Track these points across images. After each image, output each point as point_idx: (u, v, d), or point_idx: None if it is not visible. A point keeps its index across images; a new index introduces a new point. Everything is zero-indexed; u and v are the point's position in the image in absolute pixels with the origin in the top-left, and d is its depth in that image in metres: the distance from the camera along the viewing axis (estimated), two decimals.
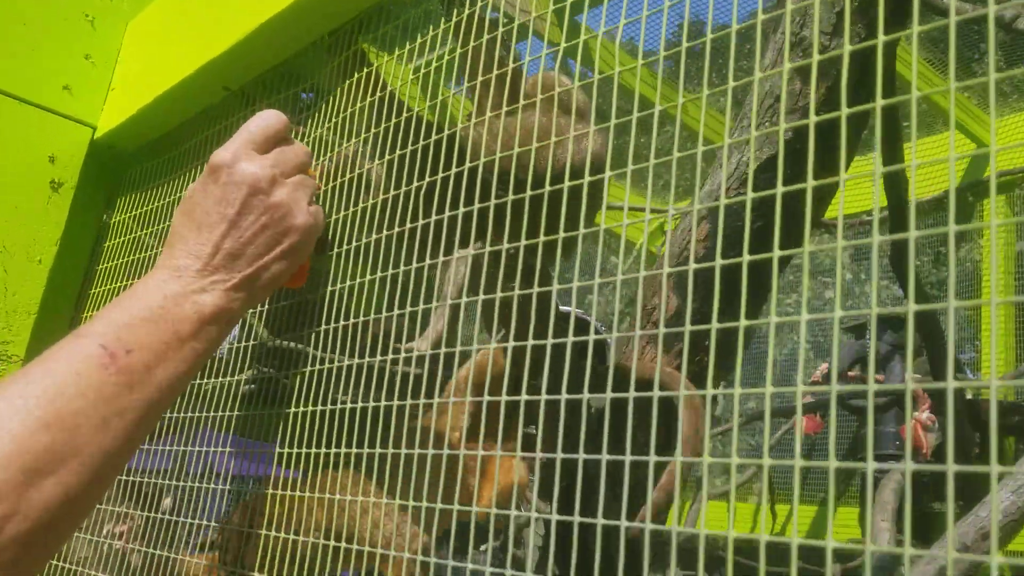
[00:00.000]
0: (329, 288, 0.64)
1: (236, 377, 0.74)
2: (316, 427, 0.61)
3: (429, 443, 0.55)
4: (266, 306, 0.71)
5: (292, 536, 0.65)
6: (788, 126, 0.42)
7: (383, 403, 0.59)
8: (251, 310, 0.56)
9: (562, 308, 0.78)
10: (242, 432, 0.70)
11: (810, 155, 0.46)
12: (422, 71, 0.62)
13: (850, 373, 1.95)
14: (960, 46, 2.19)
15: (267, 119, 0.55)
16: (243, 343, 0.74)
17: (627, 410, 0.48)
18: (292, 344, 0.72)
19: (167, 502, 0.82)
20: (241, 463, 0.71)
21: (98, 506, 0.81)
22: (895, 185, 1.08)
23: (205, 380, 0.75)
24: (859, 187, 2.12)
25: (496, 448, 0.82)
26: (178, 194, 0.84)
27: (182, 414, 0.75)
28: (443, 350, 0.67)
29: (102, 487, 0.42)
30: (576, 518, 0.45)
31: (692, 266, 0.44)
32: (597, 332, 0.96)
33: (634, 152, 0.46)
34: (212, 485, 0.71)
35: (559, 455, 0.46)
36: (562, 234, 0.49)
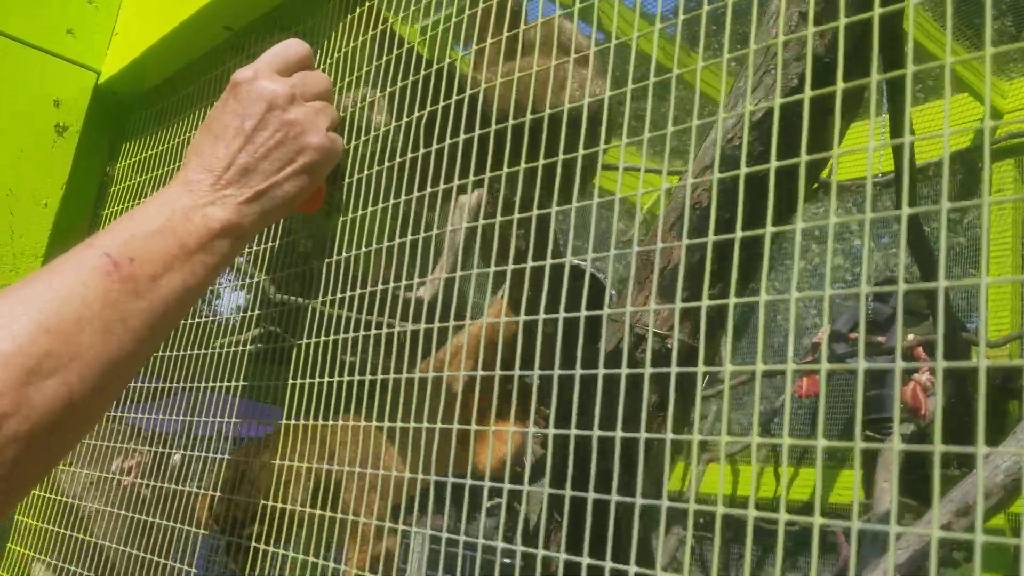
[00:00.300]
0: (339, 219, 0.64)
1: (244, 335, 0.74)
2: (319, 367, 0.61)
3: (429, 390, 0.55)
4: (274, 243, 0.71)
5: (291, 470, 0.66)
6: (786, 37, 0.42)
7: (385, 328, 0.59)
8: (264, 229, 0.56)
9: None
10: (249, 395, 0.71)
11: (808, 77, 0.46)
12: (422, 4, 0.62)
13: (851, 335, 1.95)
14: (967, 12, 2.16)
15: (291, 45, 0.56)
16: (244, 281, 0.74)
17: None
18: (296, 299, 0.72)
19: (176, 458, 0.83)
20: (247, 426, 0.72)
21: (106, 444, 0.82)
22: (900, 146, 1.07)
23: (210, 326, 0.75)
24: (858, 156, 2.12)
25: (502, 406, 0.83)
26: (180, 138, 0.84)
27: (187, 363, 0.76)
28: (455, 272, 0.67)
29: (106, 396, 0.43)
30: (572, 431, 0.46)
31: (689, 181, 0.44)
32: (596, 280, 0.96)
33: (636, 109, 0.46)
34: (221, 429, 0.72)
35: (556, 372, 0.47)
36: (561, 156, 0.49)
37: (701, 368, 0.43)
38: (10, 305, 0.40)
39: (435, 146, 0.57)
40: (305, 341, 0.64)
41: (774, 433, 2.63)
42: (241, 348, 0.72)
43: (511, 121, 0.53)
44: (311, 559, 0.59)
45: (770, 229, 0.41)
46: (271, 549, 0.64)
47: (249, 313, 0.78)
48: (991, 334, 1.72)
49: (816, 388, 1.96)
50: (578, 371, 0.46)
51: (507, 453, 0.79)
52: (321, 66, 0.69)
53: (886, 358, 1.80)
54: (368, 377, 0.59)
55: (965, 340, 1.48)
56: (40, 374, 0.39)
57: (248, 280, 0.76)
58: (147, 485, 0.77)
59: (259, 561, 0.66)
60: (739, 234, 0.41)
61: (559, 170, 0.49)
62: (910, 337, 1.68)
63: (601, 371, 0.45)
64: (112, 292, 0.42)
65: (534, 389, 0.80)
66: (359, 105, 0.65)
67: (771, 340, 2.42)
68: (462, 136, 0.55)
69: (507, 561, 0.53)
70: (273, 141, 0.51)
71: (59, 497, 0.85)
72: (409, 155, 0.60)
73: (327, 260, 0.64)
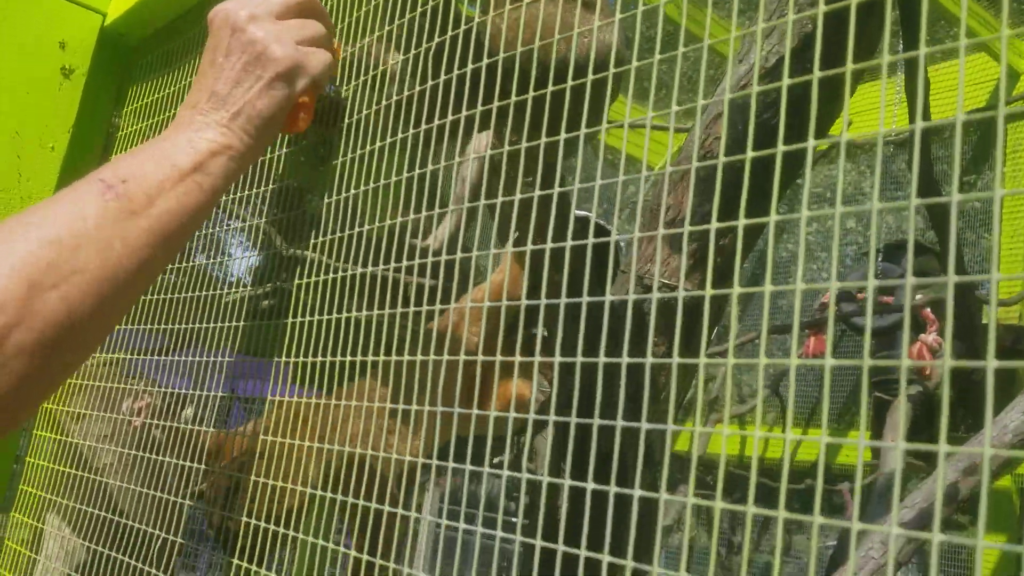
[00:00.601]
0: (339, 160, 0.64)
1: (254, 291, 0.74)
2: (328, 298, 0.61)
3: (433, 347, 0.55)
4: (272, 185, 0.71)
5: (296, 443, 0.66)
6: None
7: (392, 272, 0.59)
8: (261, 155, 0.57)
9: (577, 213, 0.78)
10: (259, 352, 0.71)
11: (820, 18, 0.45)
12: None
13: (859, 295, 1.95)
14: None
15: None
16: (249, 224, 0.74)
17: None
18: (303, 252, 0.72)
19: (188, 412, 0.83)
20: (257, 384, 0.72)
21: (114, 385, 0.83)
22: (915, 99, 1.05)
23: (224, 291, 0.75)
24: (871, 115, 2.10)
25: (507, 366, 0.83)
26: (185, 82, 0.83)
27: (198, 325, 0.76)
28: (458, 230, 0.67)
29: (107, 314, 0.43)
30: (579, 358, 0.45)
31: (699, 102, 0.43)
32: (602, 228, 0.96)
33: (646, 66, 0.45)
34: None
35: (564, 300, 0.47)
36: (570, 83, 0.48)
37: (708, 292, 0.42)
38: (10, 228, 0.42)
39: (443, 77, 0.56)
40: (308, 280, 0.64)
41: (782, 396, 2.64)
42: (252, 305, 0.72)
43: (519, 47, 0.52)
44: (317, 491, 0.59)
45: (781, 148, 0.41)
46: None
47: (255, 258, 0.78)
48: (1003, 294, 1.71)
49: (822, 347, 1.97)
50: (584, 298, 0.46)
51: (511, 396, 0.79)
52: (327, 4, 0.68)
53: (895, 317, 1.80)
54: (376, 313, 0.59)
55: (977, 299, 1.47)
56: (43, 286, 0.40)
57: (249, 222, 0.76)
58: (157, 426, 0.78)
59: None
60: (749, 154, 0.41)
61: (567, 95, 0.48)
62: (919, 297, 1.68)
63: (608, 297, 0.45)
64: (108, 211, 0.43)
65: (537, 336, 0.80)
66: (366, 42, 0.64)
67: (779, 302, 2.42)
68: (469, 67, 0.55)
69: (512, 520, 0.53)
70: (240, 64, 0.53)
71: (69, 439, 0.86)
72: (417, 88, 0.59)
73: (331, 199, 0.64)
